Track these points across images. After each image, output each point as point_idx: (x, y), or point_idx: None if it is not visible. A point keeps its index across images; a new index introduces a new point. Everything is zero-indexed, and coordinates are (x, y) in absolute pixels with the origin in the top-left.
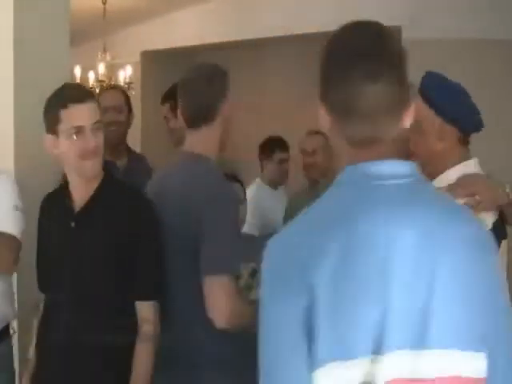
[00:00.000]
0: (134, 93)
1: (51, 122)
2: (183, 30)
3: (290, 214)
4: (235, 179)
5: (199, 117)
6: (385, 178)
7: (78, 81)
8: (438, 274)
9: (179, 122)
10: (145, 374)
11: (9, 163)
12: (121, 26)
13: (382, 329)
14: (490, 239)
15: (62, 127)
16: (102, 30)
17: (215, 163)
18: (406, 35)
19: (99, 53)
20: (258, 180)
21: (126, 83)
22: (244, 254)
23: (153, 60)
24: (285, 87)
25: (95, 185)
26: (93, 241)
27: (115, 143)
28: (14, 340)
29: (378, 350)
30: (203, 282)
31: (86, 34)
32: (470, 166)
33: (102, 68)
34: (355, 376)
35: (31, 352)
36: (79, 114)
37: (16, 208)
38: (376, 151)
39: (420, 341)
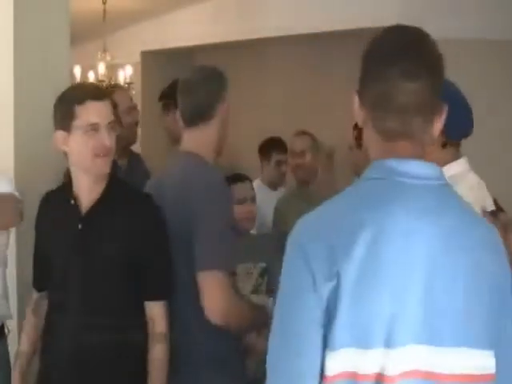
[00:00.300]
0: (134, 93)
1: (64, 118)
2: (183, 30)
3: (278, 215)
4: (244, 178)
5: (196, 116)
6: (410, 176)
7: (78, 81)
8: (455, 274)
9: (174, 120)
10: (163, 373)
11: (9, 163)
12: (121, 26)
13: (397, 322)
14: (500, 247)
15: (77, 123)
16: (102, 30)
17: (211, 162)
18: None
19: (99, 53)
20: (257, 181)
21: (126, 83)
22: (248, 253)
23: (153, 60)
24: (285, 87)
25: (102, 185)
26: (102, 242)
27: (131, 143)
28: (13, 339)
29: (391, 342)
30: (198, 278)
31: (85, 34)
32: (453, 169)
33: (102, 68)
34: (368, 365)
35: (22, 343)
36: (96, 111)
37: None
38: (404, 148)
39: (434, 337)
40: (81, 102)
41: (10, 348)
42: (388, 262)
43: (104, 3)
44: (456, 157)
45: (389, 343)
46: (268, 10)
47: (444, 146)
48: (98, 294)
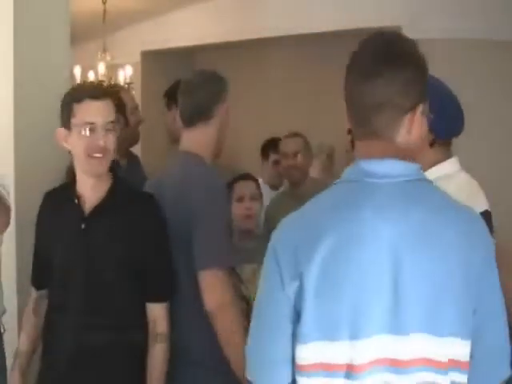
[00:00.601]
0: (134, 93)
1: (65, 115)
2: (183, 30)
3: (268, 215)
4: (247, 176)
5: (195, 116)
6: (379, 176)
7: (78, 81)
8: (422, 267)
9: (174, 119)
10: (161, 373)
11: (9, 163)
12: (121, 26)
13: (361, 315)
14: (480, 229)
15: (75, 121)
16: (102, 30)
17: (209, 162)
18: (406, 35)
19: (99, 53)
20: (259, 181)
21: (126, 83)
22: (257, 254)
23: (153, 60)
24: (285, 87)
25: (106, 185)
26: (105, 242)
27: (133, 143)
28: (13, 337)
29: (356, 334)
30: (198, 277)
31: (86, 34)
32: (443, 168)
33: (102, 68)
34: (337, 355)
35: (22, 342)
36: (93, 111)
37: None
38: (375, 148)
39: (398, 327)
40: (79, 100)
41: (8, 347)
42: (350, 260)
43: (104, 3)
44: (447, 156)
45: (354, 335)
46: (268, 10)
47: (431, 145)
48: (99, 294)
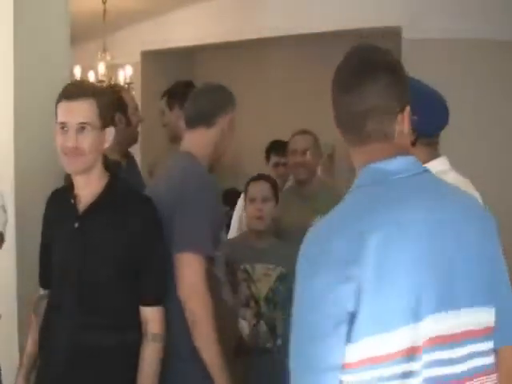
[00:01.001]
0: (134, 93)
1: (56, 114)
2: (183, 30)
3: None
4: (261, 177)
5: (196, 119)
6: (399, 172)
7: None
8: (458, 245)
9: (176, 118)
10: (153, 375)
11: (9, 163)
12: (121, 26)
13: (417, 300)
14: (488, 214)
15: (57, 121)
16: (102, 30)
17: (206, 163)
18: (406, 35)
19: (99, 53)
20: None
21: (126, 83)
22: (272, 255)
23: (153, 60)
24: (285, 87)
25: (99, 184)
26: (97, 242)
27: (133, 143)
28: (14, 338)
29: (415, 318)
30: (174, 261)
31: (85, 34)
32: (432, 167)
33: (102, 68)
34: (391, 346)
35: (27, 344)
36: (65, 111)
37: None
38: (378, 150)
39: (450, 303)
40: (58, 100)
41: (6, 347)
42: (401, 251)
43: (104, 3)
44: (433, 156)
45: (412, 320)
46: (268, 10)
47: (413, 144)
48: (92, 294)
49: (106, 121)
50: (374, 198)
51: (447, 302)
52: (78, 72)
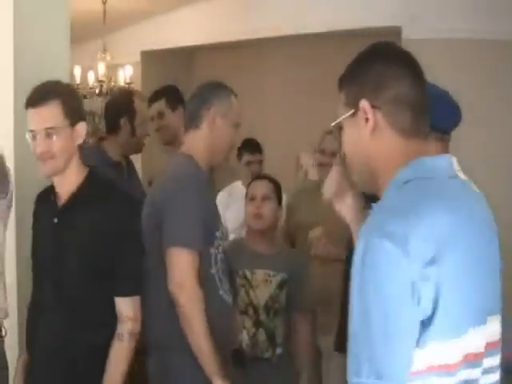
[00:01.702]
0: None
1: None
2: (183, 30)
3: (291, 207)
4: (263, 177)
5: (188, 122)
6: (445, 169)
7: (77, 81)
8: (489, 252)
9: (177, 119)
10: (118, 374)
11: (9, 163)
12: (121, 26)
13: (481, 302)
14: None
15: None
16: (102, 30)
17: (204, 164)
18: (406, 35)
19: (99, 53)
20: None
21: (126, 83)
22: (273, 261)
23: (153, 60)
24: (285, 87)
25: (76, 181)
26: (73, 237)
27: (135, 152)
28: (14, 339)
29: (476, 323)
30: (165, 256)
31: (86, 34)
32: None
33: (102, 68)
34: (457, 351)
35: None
36: (31, 118)
37: None
38: (424, 145)
39: (494, 308)
40: (26, 108)
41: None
42: (468, 251)
43: (104, 3)
44: (444, 153)
45: (476, 324)
46: (268, 10)
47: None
48: (66, 291)
49: (74, 118)
50: (428, 192)
51: (492, 308)
52: (78, 72)
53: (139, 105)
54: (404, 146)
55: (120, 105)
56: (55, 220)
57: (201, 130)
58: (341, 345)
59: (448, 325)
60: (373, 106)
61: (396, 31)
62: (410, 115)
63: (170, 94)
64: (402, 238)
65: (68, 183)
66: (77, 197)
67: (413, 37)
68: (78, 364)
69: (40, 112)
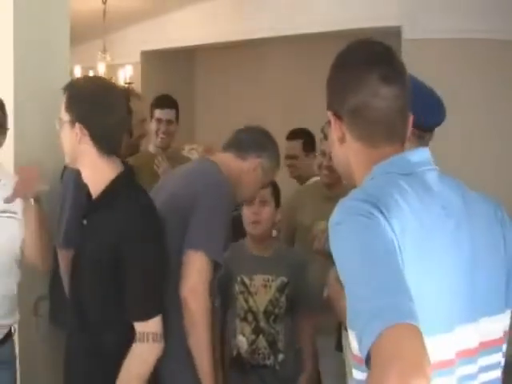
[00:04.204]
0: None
1: None
2: (183, 30)
3: (291, 207)
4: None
5: (235, 145)
6: (423, 164)
7: None
8: (475, 248)
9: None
10: (128, 374)
11: (9, 162)
12: (121, 26)
13: (467, 301)
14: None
15: None
16: (102, 30)
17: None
18: (406, 35)
19: (99, 53)
20: None
21: (126, 83)
22: (272, 265)
23: (153, 60)
24: (284, 87)
25: (104, 180)
26: (86, 243)
27: (131, 153)
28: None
29: (468, 319)
30: (184, 256)
31: (86, 34)
32: None
33: (102, 68)
34: (451, 347)
35: None
36: None
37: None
38: (395, 150)
39: (486, 307)
40: None
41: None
42: (436, 247)
43: (104, 3)
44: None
45: (461, 321)
46: (267, 10)
47: None
48: (80, 296)
49: (73, 114)
50: (408, 184)
51: (487, 307)
52: (78, 72)
53: (136, 104)
54: (372, 155)
55: None
56: (84, 222)
57: (237, 160)
58: (342, 344)
59: (435, 320)
60: (338, 117)
61: (396, 31)
62: (374, 125)
63: (178, 107)
64: (377, 216)
65: (98, 184)
66: (99, 201)
67: (413, 37)
68: (86, 367)
69: None
